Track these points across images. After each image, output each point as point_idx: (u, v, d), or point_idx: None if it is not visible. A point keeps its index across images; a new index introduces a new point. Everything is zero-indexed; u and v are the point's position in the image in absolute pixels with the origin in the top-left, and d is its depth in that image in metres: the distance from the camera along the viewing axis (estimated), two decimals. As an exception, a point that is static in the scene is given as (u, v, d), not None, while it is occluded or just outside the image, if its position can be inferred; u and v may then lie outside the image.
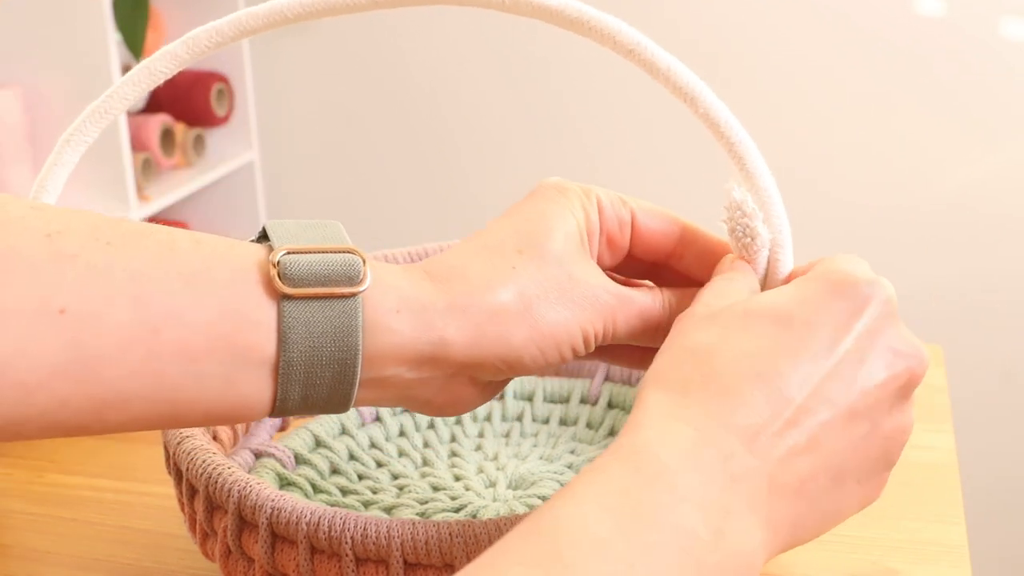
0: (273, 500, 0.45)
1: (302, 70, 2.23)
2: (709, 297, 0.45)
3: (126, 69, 2.00)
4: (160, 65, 0.50)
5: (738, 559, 0.36)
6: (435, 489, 0.59)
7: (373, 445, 0.64)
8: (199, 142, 2.16)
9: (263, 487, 0.46)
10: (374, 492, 0.59)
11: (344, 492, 0.60)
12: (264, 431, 0.62)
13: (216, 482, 0.47)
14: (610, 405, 0.67)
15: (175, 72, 0.50)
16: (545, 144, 2.12)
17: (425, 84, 2.16)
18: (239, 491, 0.46)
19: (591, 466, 0.37)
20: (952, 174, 1.93)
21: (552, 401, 0.69)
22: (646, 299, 0.47)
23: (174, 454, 0.50)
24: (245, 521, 0.46)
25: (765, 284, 0.47)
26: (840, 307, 0.42)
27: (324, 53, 2.20)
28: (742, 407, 0.38)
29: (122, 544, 0.61)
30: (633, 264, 0.50)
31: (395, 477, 0.61)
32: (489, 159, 2.17)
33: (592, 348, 0.46)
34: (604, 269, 0.49)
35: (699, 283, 0.48)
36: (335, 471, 0.62)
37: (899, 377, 0.42)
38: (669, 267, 0.50)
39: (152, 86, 0.51)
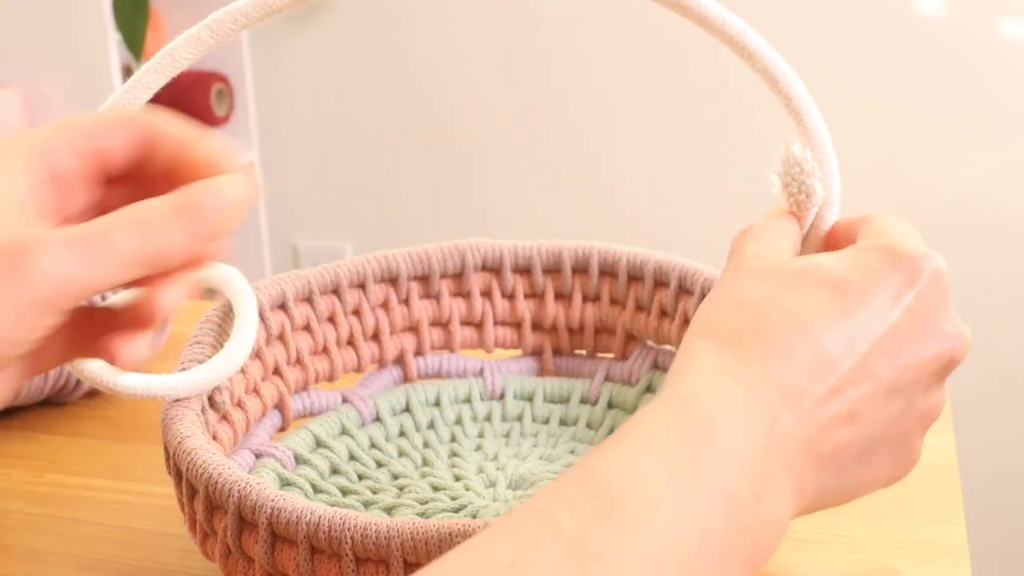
0: (273, 500, 0.45)
1: (302, 70, 2.23)
2: (756, 248, 0.44)
3: (126, 69, 2.00)
4: (183, 51, 0.49)
5: (771, 522, 0.36)
6: (435, 489, 0.59)
7: (373, 445, 0.64)
8: (199, 142, 2.16)
9: (263, 487, 0.46)
10: (374, 492, 0.60)
11: (344, 492, 0.60)
12: (264, 431, 0.62)
13: (216, 482, 0.47)
14: (610, 405, 0.67)
15: (199, 57, 0.49)
16: (547, 144, 2.12)
17: (426, 84, 2.16)
18: (239, 491, 0.46)
19: (643, 416, 0.37)
20: (952, 174, 1.93)
21: (552, 401, 0.69)
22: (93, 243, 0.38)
23: (174, 454, 0.50)
24: (245, 521, 0.46)
25: (808, 237, 0.47)
26: (895, 279, 0.41)
27: (325, 53, 2.20)
28: (790, 368, 0.38)
29: (122, 544, 0.61)
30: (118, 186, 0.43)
31: (395, 477, 0.61)
32: (491, 159, 2.16)
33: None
34: (79, 210, 0.42)
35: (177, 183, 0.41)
36: (335, 471, 0.62)
37: (941, 357, 0.42)
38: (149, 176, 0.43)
39: (174, 73, 0.49)
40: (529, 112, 2.11)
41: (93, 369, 0.51)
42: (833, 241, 0.47)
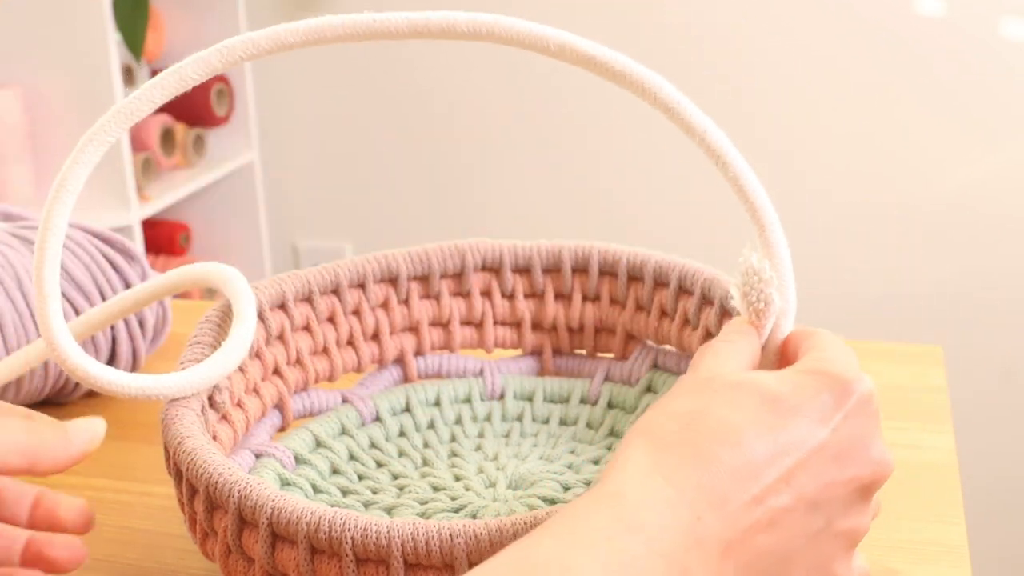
0: (273, 500, 0.45)
1: (302, 70, 2.23)
2: (710, 361, 0.46)
3: (126, 69, 2.00)
4: (191, 71, 0.50)
5: None
6: (435, 489, 0.59)
7: (373, 445, 0.64)
8: (199, 142, 2.16)
9: (263, 487, 0.46)
10: (374, 492, 0.60)
11: (344, 492, 0.60)
12: (264, 431, 0.62)
13: (216, 482, 0.47)
14: (610, 405, 0.67)
15: (205, 79, 0.50)
16: (547, 144, 2.12)
17: (425, 83, 2.16)
18: (239, 491, 0.46)
19: (575, 508, 0.39)
20: (952, 174, 1.93)
21: (552, 401, 0.69)
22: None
23: (174, 454, 0.50)
24: (245, 521, 0.46)
25: (765, 346, 0.49)
26: (825, 399, 0.43)
27: (324, 53, 2.20)
28: (716, 473, 0.40)
29: (122, 544, 0.61)
30: None
31: (395, 477, 0.61)
32: (490, 158, 2.17)
33: None
34: None
35: None
36: (335, 471, 0.62)
37: (862, 478, 0.43)
38: None
39: (180, 91, 0.50)
40: (529, 111, 2.11)
41: (88, 368, 0.51)
42: (784, 351, 0.50)
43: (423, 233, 2.20)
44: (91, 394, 0.78)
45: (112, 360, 0.76)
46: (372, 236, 2.28)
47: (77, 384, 0.76)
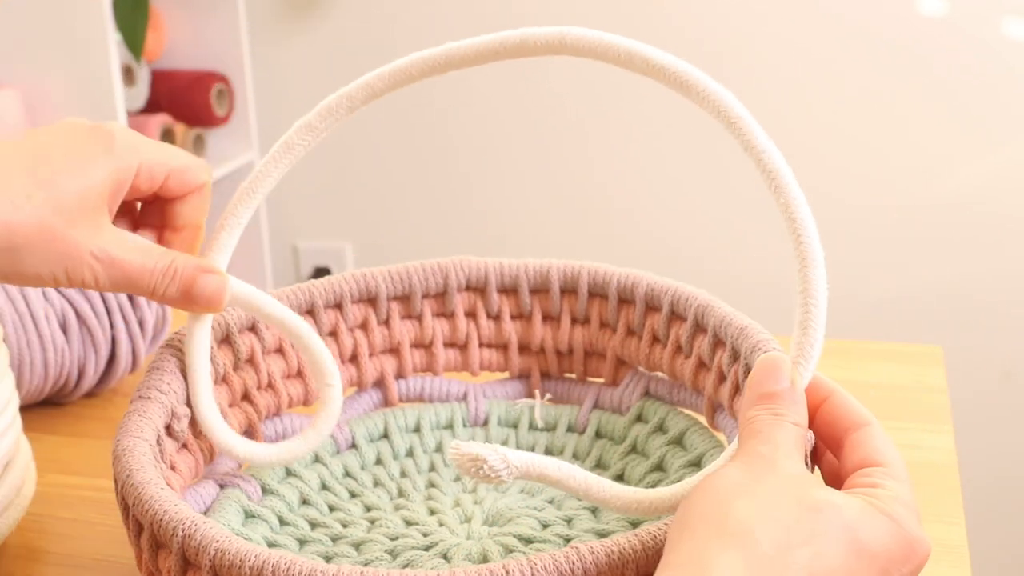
0: (217, 541, 0.43)
1: (302, 70, 2.22)
2: (788, 465, 0.44)
3: (126, 69, 1.99)
4: (296, 137, 0.61)
5: None
6: (407, 524, 0.57)
7: (347, 474, 0.62)
8: (199, 142, 2.15)
9: (209, 526, 0.44)
10: (344, 526, 0.57)
11: (313, 525, 0.57)
12: (231, 460, 0.60)
13: (161, 519, 0.45)
14: (598, 435, 0.65)
15: (314, 143, 0.59)
16: (548, 143, 2.11)
17: (426, 83, 2.15)
18: (183, 530, 0.44)
19: None
20: (952, 174, 1.92)
21: (537, 429, 0.66)
22: (140, 262, 0.50)
23: (122, 487, 0.47)
24: (189, 562, 0.44)
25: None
26: (893, 552, 0.42)
27: (324, 53, 2.19)
28: None
29: (122, 544, 0.60)
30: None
31: (368, 509, 0.59)
32: (490, 160, 2.16)
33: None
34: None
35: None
36: (305, 502, 0.59)
37: None
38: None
39: (294, 161, 0.60)
40: (531, 113, 2.10)
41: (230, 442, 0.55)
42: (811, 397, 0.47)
43: (423, 233, 2.19)
44: (91, 394, 0.80)
45: (112, 359, 0.77)
46: (372, 236, 2.27)
47: (77, 384, 0.77)
